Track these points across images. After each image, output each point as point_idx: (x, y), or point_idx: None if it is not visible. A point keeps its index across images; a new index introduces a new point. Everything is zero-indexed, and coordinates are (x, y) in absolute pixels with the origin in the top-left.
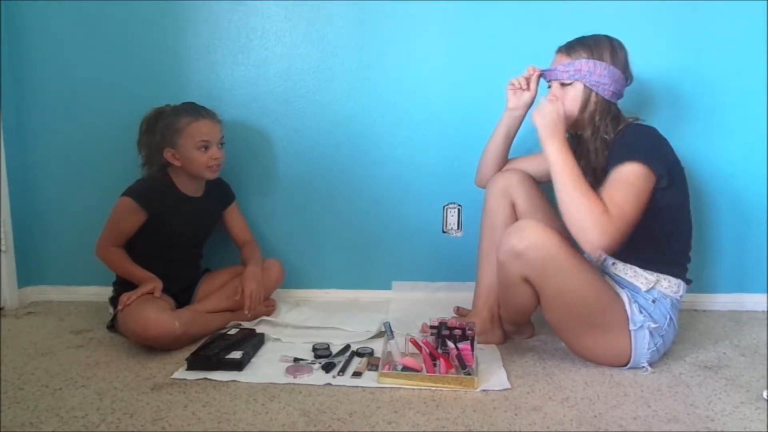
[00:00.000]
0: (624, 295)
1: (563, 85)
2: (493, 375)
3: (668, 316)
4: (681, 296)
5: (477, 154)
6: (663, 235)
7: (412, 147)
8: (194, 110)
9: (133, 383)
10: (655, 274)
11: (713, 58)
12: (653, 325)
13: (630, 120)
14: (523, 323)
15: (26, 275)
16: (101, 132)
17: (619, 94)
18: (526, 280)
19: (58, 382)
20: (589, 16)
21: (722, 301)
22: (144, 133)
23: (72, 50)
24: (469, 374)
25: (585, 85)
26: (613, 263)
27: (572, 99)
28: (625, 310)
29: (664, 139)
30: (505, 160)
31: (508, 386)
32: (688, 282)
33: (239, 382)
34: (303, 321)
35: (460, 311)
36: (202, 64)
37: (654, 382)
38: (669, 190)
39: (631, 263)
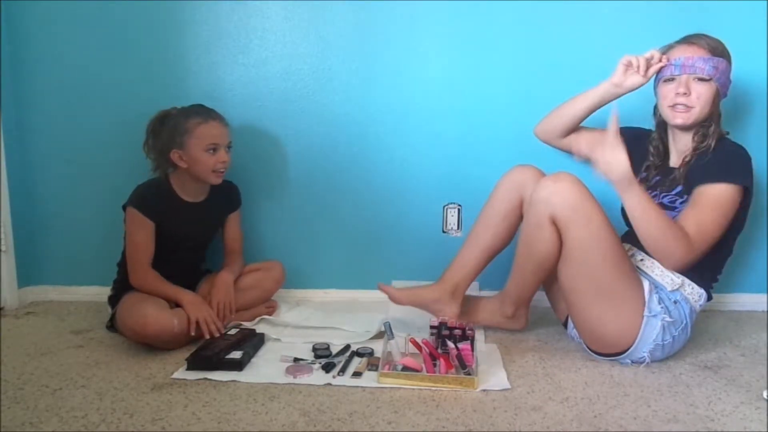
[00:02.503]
0: (646, 284)
1: (701, 79)
2: (493, 375)
3: (684, 322)
4: (701, 306)
5: (477, 154)
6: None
7: (412, 147)
8: (204, 112)
9: (133, 383)
10: (681, 277)
11: None
12: (669, 319)
13: (723, 131)
14: (529, 293)
15: (26, 275)
16: (101, 132)
17: None
18: (553, 223)
19: (58, 382)
20: (589, 16)
21: (722, 301)
22: (150, 136)
23: (72, 50)
24: (469, 374)
25: (718, 85)
26: (642, 259)
27: (706, 96)
28: (643, 294)
29: (751, 160)
30: (575, 128)
31: (508, 386)
32: (710, 297)
33: (239, 382)
34: (303, 321)
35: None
36: (202, 64)
37: (654, 382)
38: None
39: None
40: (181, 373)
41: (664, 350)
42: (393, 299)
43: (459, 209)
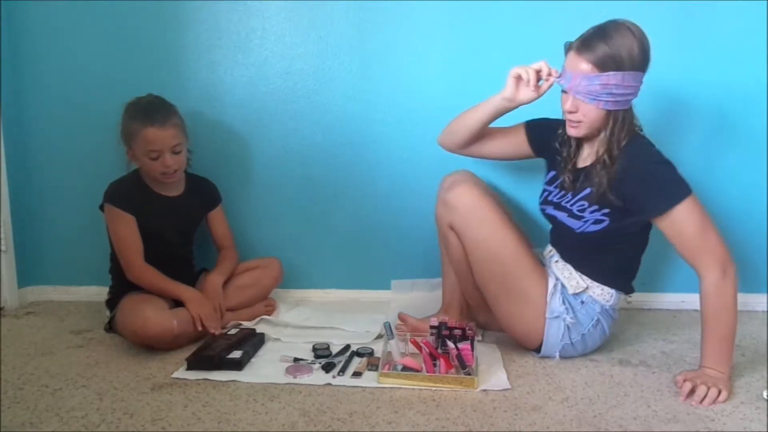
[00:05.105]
0: (551, 282)
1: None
2: (493, 375)
3: (595, 319)
4: (612, 305)
5: None
6: (606, 247)
7: (412, 147)
8: (145, 114)
9: (133, 383)
10: (588, 280)
11: (712, 59)
12: (571, 320)
13: (635, 128)
14: (477, 297)
15: (26, 275)
16: (102, 133)
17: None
18: (452, 229)
19: (58, 382)
20: (589, 15)
21: None
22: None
23: (72, 51)
24: (469, 374)
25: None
26: (556, 261)
27: (594, 113)
28: (546, 295)
29: (670, 163)
30: (475, 138)
31: (508, 386)
32: (628, 292)
33: (239, 382)
34: (303, 321)
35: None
36: (202, 64)
37: (654, 382)
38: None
39: (572, 264)
40: (181, 373)
41: (576, 348)
42: (413, 328)
43: None
